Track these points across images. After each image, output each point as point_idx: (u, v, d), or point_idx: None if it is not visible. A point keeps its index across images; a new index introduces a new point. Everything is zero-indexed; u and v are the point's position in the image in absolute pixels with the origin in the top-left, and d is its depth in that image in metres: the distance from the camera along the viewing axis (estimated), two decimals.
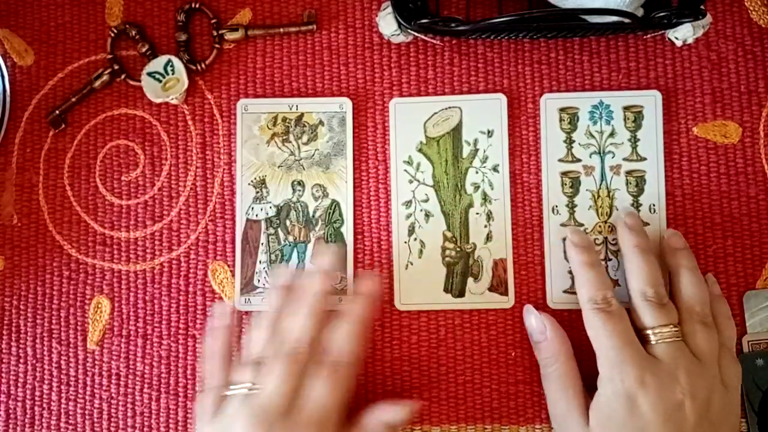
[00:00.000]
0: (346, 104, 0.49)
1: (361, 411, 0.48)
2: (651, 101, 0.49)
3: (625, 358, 0.42)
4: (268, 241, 0.49)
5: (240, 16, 0.51)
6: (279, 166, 0.49)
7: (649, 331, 0.43)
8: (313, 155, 0.49)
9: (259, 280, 0.49)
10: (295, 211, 0.49)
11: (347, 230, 0.49)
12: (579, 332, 0.48)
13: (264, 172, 0.49)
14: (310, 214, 0.49)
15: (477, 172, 0.49)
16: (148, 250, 0.50)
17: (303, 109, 0.49)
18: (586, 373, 0.48)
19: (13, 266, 0.50)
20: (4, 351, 0.50)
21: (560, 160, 0.49)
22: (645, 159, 0.49)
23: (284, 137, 0.49)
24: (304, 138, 0.49)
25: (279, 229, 0.49)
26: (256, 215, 0.49)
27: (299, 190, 0.49)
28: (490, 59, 0.50)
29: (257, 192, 0.49)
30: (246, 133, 0.49)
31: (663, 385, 0.41)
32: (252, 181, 0.49)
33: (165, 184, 0.50)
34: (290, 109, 0.49)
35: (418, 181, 0.49)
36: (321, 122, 0.49)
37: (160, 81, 0.50)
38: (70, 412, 0.49)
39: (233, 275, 0.49)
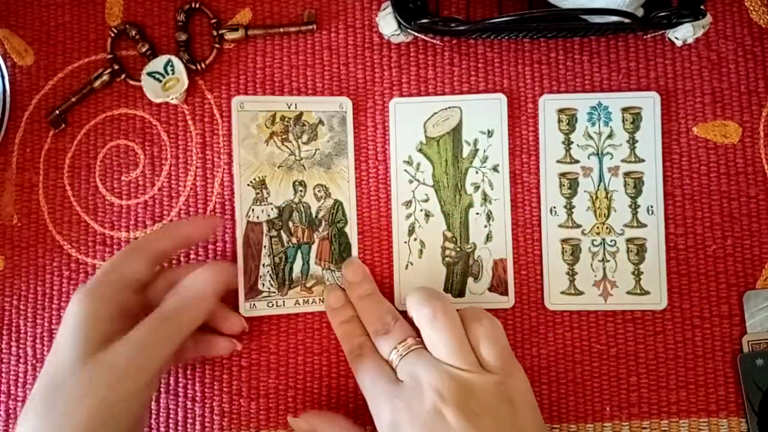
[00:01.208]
0: (345, 103, 0.49)
1: (359, 413, 0.48)
2: (649, 103, 0.49)
3: (375, 395, 0.41)
4: (271, 244, 0.48)
5: (240, 16, 0.51)
6: (279, 166, 0.48)
7: (390, 360, 0.43)
8: (314, 155, 0.48)
9: (263, 284, 0.48)
10: (298, 212, 0.48)
11: (351, 230, 0.48)
12: (579, 332, 0.48)
13: (264, 172, 0.48)
14: (313, 215, 0.48)
15: (477, 172, 0.49)
16: None
17: (302, 108, 0.49)
18: (586, 375, 0.48)
19: (13, 266, 0.50)
20: (4, 351, 0.50)
21: (558, 161, 0.49)
22: (643, 161, 0.49)
23: (283, 136, 0.48)
24: (304, 137, 0.48)
25: (282, 231, 0.48)
26: (257, 217, 0.48)
27: (301, 191, 0.48)
28: (490, 59, 0.50)
29: (257, 193, 0.48)
30: (243, 132, 0.48)
31: (411, 402, 0.39)
32: (251, 182, 0.48)
33: (165, 184, 0.50)
34: (288, 107, 0.49)
35: (418, 181, 0.49)
36: (321, 121, 0.48)
37: (160, 81, 0.50)
38: None
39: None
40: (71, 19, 0.52)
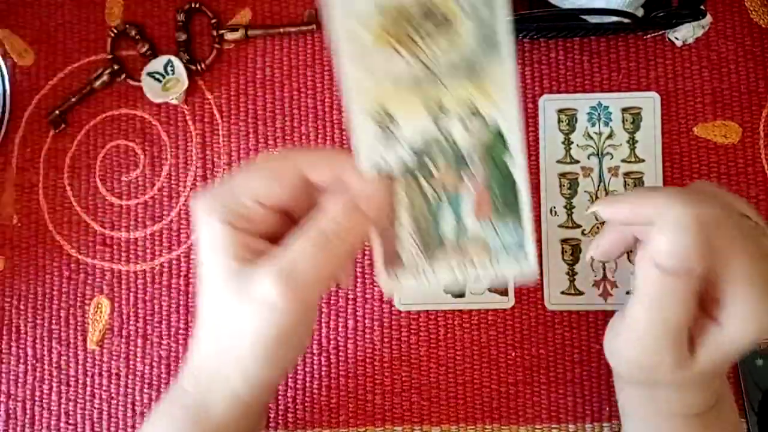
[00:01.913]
0: None
1: (359, 413, 0.48)
2: (649, 103, 0.49)
3: None
4: (412, 198, 0.34)
5: (240, 16, 0.51)
6: (406, 86, 0.33)
7: None
8: (453, 59, 0.32)
9: (405, 249, 0.35)
10: (442, 150, 0.33)
11: (517, 165, 0.33)
12: (579, 333, 0.48)
13: (386, 97, 0.33)
14: (464, 153, 0.33)
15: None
16: (148, 250, 0.50)
17: None
18: (585, 375, 0.48)
19: (13, 266, 0.50)
20: (4, 351, 0.50)
21: (558, 162, 0.49)
22: (643, 161, 0.49)
23: (406, 37, 0.32)
24: (436, 34, 0.32)
25: (422, 179, 0.34)
26: (388, 163, 0.33)
27: (442, 117, 0.33)
28: None
29: (382, 129, 0.33)
30: (350, 41, 0.32)
31: None
32: (372, 114, 0.33)
33: (165, 184, 0.50)
34: None
35: None
36: (459, 5, 0.32)
37: (160, 81, 0.50)
38: (70, 412, 0.49)
39: None
40: (71, 19, 0.52)
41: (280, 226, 0.35)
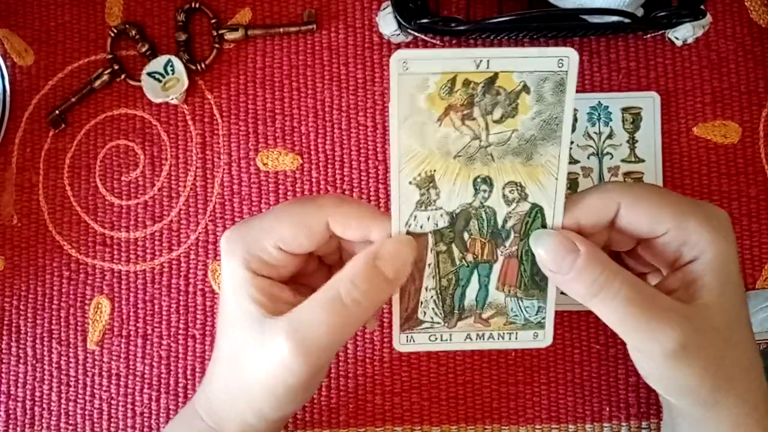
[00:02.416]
0: (569, 59, 0.32)
1: (359, 413, 0.48)
2: (649, 103, 0.49)
3: None
4: (438, 261, 0.35)
5: (240, 15, 0.51)
6: (456, 156, 0.33)
7: None
8: (510, 139, 0.33)
9: (425, 313, 0.36)
10: (478, 219, 0.35)
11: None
12: (579, 333, 0.48)
13: (433, 164, 0.33)
14: (500, 224, 0.35)
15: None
16: (148, 250, 0.50)
17: (497, 67, 0.32)
18: (585, 375, 0.48)
19: (13, 266, 0.50)
20: (4, 351, 0.50)
21: None
22: (643, 161, 0.49)
23: (466, 112, 0.32)
24: (497, 113, 0.33)
25: (453, 245, 0.35)
26: (421, 226, 0.34)
27: (485, 191, 0.34)
28: None
29: (423, 194, 0.34)
30: (406, 107, 0.32)
31: None
32: (415, 179, 0.33)
33: (165, 184, 0.50)
34: (477, 66, 0.31)
35: None
36: (525, 87, 0.32)
37: (160, 81, 0.50)
38: (70, 412, 0.49)
39: None
40: (71, 19, 0.52)
41: (307, 266, 0.37)
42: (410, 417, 0.48)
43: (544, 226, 0.34)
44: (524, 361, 0.48)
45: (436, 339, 0.36)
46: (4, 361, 0.50)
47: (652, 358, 0.33)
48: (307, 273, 0.38)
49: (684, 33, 0.48)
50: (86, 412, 0.49)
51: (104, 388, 0.49)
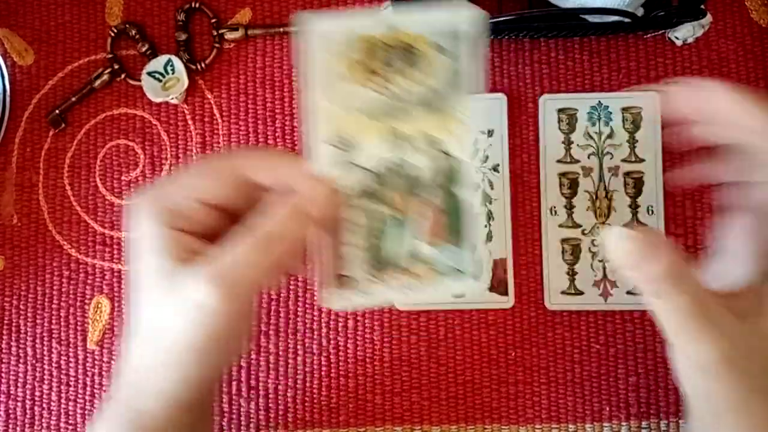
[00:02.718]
0: (478, 15, 0.33)
1: (359, 413, 0.48)
2: (650, 102, 0.49)
3: None
4: (363, 218, 0.35)
5: (240, 15, 0.51)
6: (371, 114, 0.34)
7: None
8: (423, 95, 0.34)
9: (353, 270, 0.35)
10: (398, 174, 0.35)
11: (472, 194, 0.35)
12: (578, 332, 0.48)
13: (350, 123, 0.34)
14: (420, 177, 0.35)
15: (477, 172, 0.49)
16: None
17: (409, 27, 0.33)
18: (585, 375, 0.48)
19: (13, 266, 0.50)
20: (4, 351, 0.50)
21: (558, 161, 0.49)
22: (643, 160, 0.49)
23: (380, 71, 0.33)
24: (410, 71, 0.33)
25: (376, 201, 0.35)
26: (343, 184, 0.35)
27: (401, 146, 0.35)
28: (490, 59, 0.50)
29: (341, 153, 0.34)
30: (316, 66, 0.33)
31: None
32: (332, 139, 0.34)
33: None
34: (389, 28, 0.33)
35: None
36: (436, 45, 0.33)
37: (160, 81, 0.50)
38: (70, 412, 0.49)
39: None
40: (71, 18, 0.52)
41: (221, 225, 0.35)
42: (410, 417, 0.48)
43: (461, 179, 0.34)
44: (524, 361, 0.48)
45: (365, 294, 0.35)
46: (4, 360, 0.50)
47: (687, 365, 0.34)
48: (222, 233, 0.35)
49: (684, 33, 0.48)
50: (86, 412, 0.49)
51: (104, 388, 0.49)
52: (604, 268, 0.48)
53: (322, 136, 0.34)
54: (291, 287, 0.49)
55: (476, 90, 0.33)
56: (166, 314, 0.32)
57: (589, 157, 0.49)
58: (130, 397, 0.34)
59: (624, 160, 0.49)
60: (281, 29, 0.50)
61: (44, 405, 0.49)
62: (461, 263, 0.35)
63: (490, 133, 0.49)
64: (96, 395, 0.49)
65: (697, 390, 0.35)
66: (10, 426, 0.49)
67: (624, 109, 0.49)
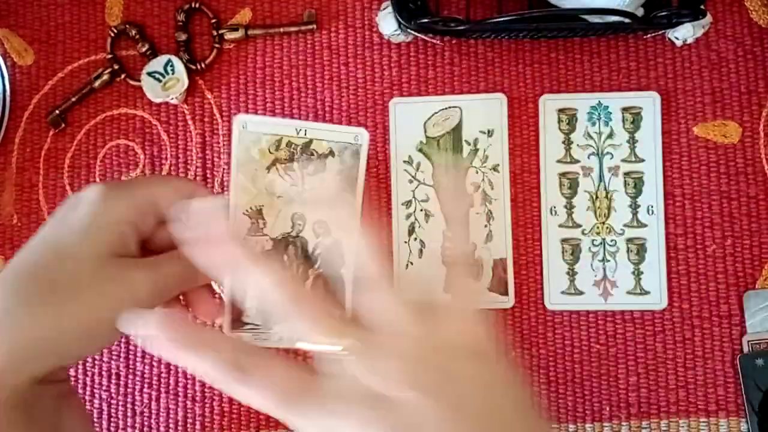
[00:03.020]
0: (361, 136, 0.42)
1: None
2: (649, 102, 0.49)
3: None
4: None
5: (240, 15, 0.51)
6: (279, 197, 0.42)
7: None
8: (319, 188, 0.43)
9: (249, 317, 0.43)
10: (294, 246, 0.43)
11: (347, 272, 0.43)
12: (578, 332, 0.48)
13: (261, 201, 0.42)
14: (310, 251, 0.43)
15: (477, 172, 0.49)
16: None
17: (312, 135, 0.42)
18: (585, 375, 0.48)
19: None
20: None
21: (558, 161, 0.49)
22: (643, 160, 0.49)
23: (287, 164, 0.42)
24: (311, 168, 0.42)
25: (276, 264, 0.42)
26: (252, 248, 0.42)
27: (299, 225, 0.43)
28: (490, 59, 0.50)
29: (252, 222, 0.42)
30: (243, 155, 0.42)
31: None
32: (247, 211, 0.42)
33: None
34: (297, 133, 0.42)
35: (418, 180, 0.49)
36: (332, 152, 0.42)
37: (160, 81, 0.50)
38: None
39: None
40: (71, 19, 0.52)
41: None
42: None
43: (342, 256, 0.42)
44: (524, 361, 0.48)
45: (258, 339, 0.43)
46: None
47: None
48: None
49: (684, 33, 0.48)
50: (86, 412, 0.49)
51: (104, 388, 0.49)
52: (604, 268, 0.48)
53: (241, 209, 0.41)
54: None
55: (360, 192, 0.41)
56: (94, 291, 0.35)
57: (589, 157, 0.49)
58: None
59: (624, 160, 0.49)
60: (281, 29, 0.50)
61: None
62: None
63: (490, 133, 0.49)
64: (96, 395, 0.49)
65: None
66: None
67: (624, 109, 0.49)
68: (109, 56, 0.51)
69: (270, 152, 0.42)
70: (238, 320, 0.42)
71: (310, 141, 0.42)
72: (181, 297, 0.42)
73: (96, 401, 0.49)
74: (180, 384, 0.49)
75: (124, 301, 0.36)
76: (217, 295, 0.44)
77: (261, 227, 0.42)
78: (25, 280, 0.36)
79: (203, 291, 0.42)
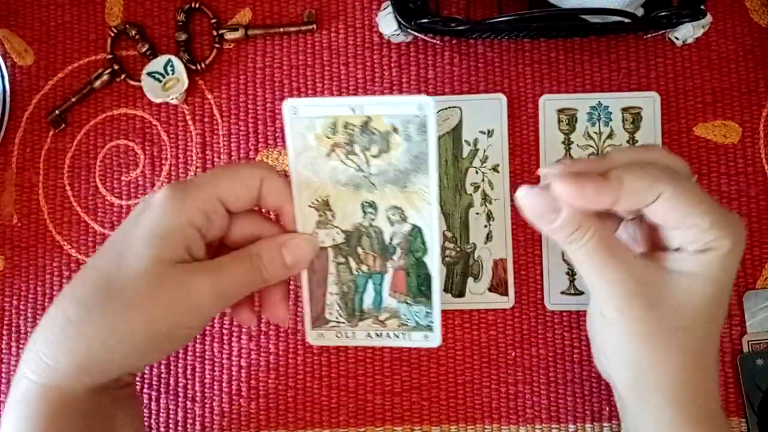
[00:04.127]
0: (425, 105, 0.37)
1: (359, 413, 0.48)
2: (649, 103, 0.49)
3: None
4: (338, 271, 0.41)
5: (240, 15, 0.51)
6: (344, 185, 0.39)
7: None
8: (386, 171, 0.39)
9: (331, 314, 0.42)
10: (368, 236, 0.40)
11: (432, 260, 0.40)
12: (579, 332, 0.48)
13: (327, 191, 0.40)
14: (386, 241, 0.40)
15: (477, 172, 0.49)
16: None
17: (370, 112, 0.38)
18: (585, 375, 0.48)
19: (13, 266, 0.50)
20: (4, 351, 0.50)
21: (559, 161, 0.49)
22: None
23: (348, 148, 0.39)
24: (374, 149, 0.39)
25: (350, 257, 0.41)
26: (322, 242, 0.40)
27: (371, 213, 0.40)
28: (490, 59, 0.50)
29: (320, 215, 0.40)
30: (299, 144, 0.39)
31: None
32: (313, 203, 0.40)
33: (165, 184, 0.50)
34: (353, 112, 0.38)
35: None
36: (394, 129, 0.38)
37: (160, 81, 0.50)
38: None
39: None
40: (71, 19, 0.52)
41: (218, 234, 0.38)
42: (410, 417, 0.48)
43: (423, 243, 0.39)
44: (524, 361, 0.48)
45: (341, 336, 0.42)
46: (4, 361, 0.50)
47: (605, 309, 0.37)
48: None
49: (684, 33, 0.48)
50: None
51: None
52: None
53: (306, 200, 0.39)
54: (291, 287, 0.49)
55: (434, 171, 0.38)
56: (155, 299, 0.35)
57: (589, 158, 0.49)
58: (50, 372, 0.36)
59: None
60: (281, 29, 0.50)
61: None
62: (420, 318, 0.41)
63: (490, 133, 0.49)
64: None
65: (612, 339, 0.38)
66: None
67: (624, 109, 0.49)
68: (109, 56, 0.51)
69: (327, 137, 0.39)
70: (319, 318, 0.42)
71: (369, 119, 0.38)
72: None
73: None
74: (180, 384, 0.49)
75: (185, 308, 0.35)
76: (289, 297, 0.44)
77: (330, 219, 0.40)
78: (90, 289, 0.36)
79: (276, 292, 0.41)
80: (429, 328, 0.41)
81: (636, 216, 0.38)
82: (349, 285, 0.41)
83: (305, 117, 0.38)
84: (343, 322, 0.42)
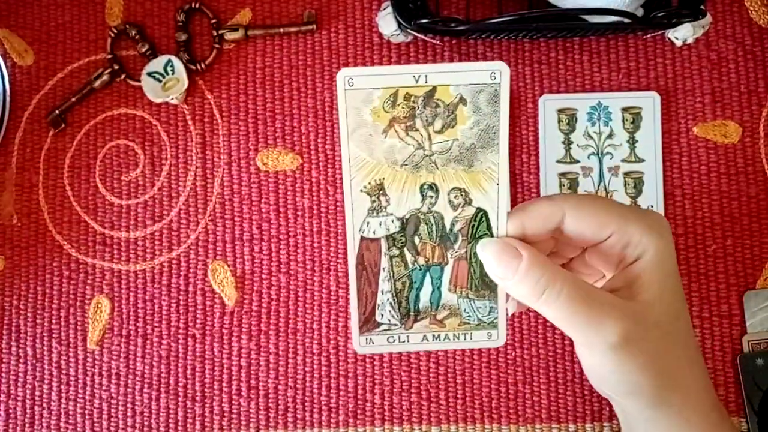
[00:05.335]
0: (500, 72, 0.33)
1: (359, 413, 0.48)
2: (649, 102, 0.49)
3: None
4: (392, 265, 0.36)
5: (240, 16, 0.51)
6: (402, 165, 0.35)
7: None
8: (451, 148, 0.35)
9: (382, 315, 0.37)
10: (427, 224, 0.36)
11: None
12: None
13: (382, 173, 0.35)
14: (447, 228, 0.36)
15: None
16: (148, 250, 0.50)
17: (435, 81, 0.34)
18: (585, 375, 0.48)
19: (13, 266, 0.50)
20: (4, 351, 0.50)
21: (558, 161, 0.49)
22: (643, 160, 0.49)
23: (408, 123, 0.35)
24: (438, 124, 0.35)
25: (405, 249, 0.36)
26: (374, 232, 0.36)
27: (431, 197, 0.36)
28: (490, 59, 0.50)
29: (374, 201, 0.36)
30: (353, 120, 0.34)
31: None
32: (365, 187, 0.35)
33: (165, 184, 0.50)
34: (416, 81, 0.34)
35: None
36: (462, 99, 0.34)
37: (160, 81, 0.50)
38: (70, 412, 0.49)
39: (233, 275, 0.49)
40: (71, 19, 0.52)
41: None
42: (410, 417, 0.48)
43: (489, 229, 0.36)
44: (524, 361, 0.48)
45: (394, 340, 0.37)
46: (4, 360, 0.50)
47: (596, 353, 0.34)
48: None
49: (684, 33, 0.48)
50: (86, 412, 0.49)
51: (104, 388, 0.49)
52: None
53: (358, 183, 0.35)
54: (291, 287, 0.49)
55: (505, 148, 0.34)
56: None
57: (589, 157, 0.49)
58: None
59: (624, 160, 0.49)
60: (281, 29, 0.50)
61: (44, 405, 0.49)
62: (484, 314, 0.37)
63: None
64: (96, 395, 0.49)
65: (616, 381, 0.35)
66: (10, 426, 0.49)
67: (624, 109, 0.49)
68: (109, 56, 0.51)
69: (385, 110, 0.34)
70: (369, 321, 0.37)
71: (434, 89, 0.34)
72: None
73: (96, 401, 0.49)
74: (180, 384, 0.49)
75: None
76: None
77: (384, 205, 0.36)
78: None
79: None
80: (493, 325, 0.37)
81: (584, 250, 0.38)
82: (404, 281, 0.37)
83: (361, 88, 0.34)
84: (396, 324, 0.37)
